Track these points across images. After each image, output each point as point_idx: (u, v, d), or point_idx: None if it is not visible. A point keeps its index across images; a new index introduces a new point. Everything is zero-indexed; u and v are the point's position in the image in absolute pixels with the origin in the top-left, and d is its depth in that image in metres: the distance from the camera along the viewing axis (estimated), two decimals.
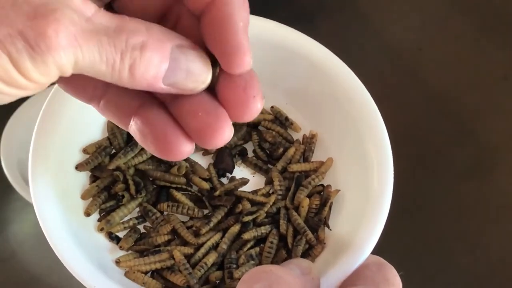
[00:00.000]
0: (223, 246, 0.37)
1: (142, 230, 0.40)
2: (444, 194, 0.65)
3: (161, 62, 0.26)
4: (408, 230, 0.63)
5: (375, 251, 0.53)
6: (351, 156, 0.38)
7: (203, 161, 0.39)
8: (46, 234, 0.37)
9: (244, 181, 0.38)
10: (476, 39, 0.82)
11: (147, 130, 0.29)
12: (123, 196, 0.39)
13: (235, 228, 0.37)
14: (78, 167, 0.39)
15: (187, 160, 0.39)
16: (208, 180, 0.38)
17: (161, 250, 0.38)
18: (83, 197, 0.38)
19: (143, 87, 0.27)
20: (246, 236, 0.37)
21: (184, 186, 0.38)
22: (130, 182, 0.38)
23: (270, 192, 0.38)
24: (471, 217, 0.62)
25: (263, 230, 0.37)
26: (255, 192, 0.38)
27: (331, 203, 0.38)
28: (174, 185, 0.38)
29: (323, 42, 0.82)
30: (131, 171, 0.39)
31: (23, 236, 0.59)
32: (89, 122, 0.41)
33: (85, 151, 0.40)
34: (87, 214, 0.38)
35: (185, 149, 0.29)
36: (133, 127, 0.30)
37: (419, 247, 0.62)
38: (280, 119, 0.39)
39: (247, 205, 0.37)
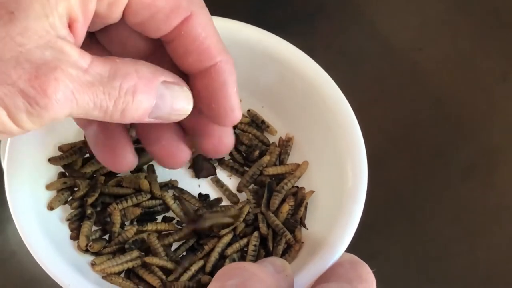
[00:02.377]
0: (209, 265, 0.37)
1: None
2: (444, 194, 0.65)
3: (149, 102, 0.28)
4: (407, 230, 0.63)
5: (372, 250, 0.53)
6: (325, 156, 0.38)
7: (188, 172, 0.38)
8: (19, 228, 0.37)
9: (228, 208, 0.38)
10: (476, 39, 0.82)
11: (101, 137, 0.31)
12: (92, 214, 0.38)
13: (217, 251, 0.37)
14: (51, 160, 0.39)
15: (175, 187, 0.38)
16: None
17: (131, 248, 0.37)
18: (48, 187, 0.38)
19: (129, 122, 0.28)
20: (229, 251, 0.37)
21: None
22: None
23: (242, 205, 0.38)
24: (471, 217, 0.62)
25: (245, 240, 0.37)
26: (227, 209, 0.37)
27: (306, 203, 0.38)
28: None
29: (323, 42, 0.83)
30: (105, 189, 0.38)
31: None
32: (66, 125, 0.41)
33: (60, 148, 0.40)
34: (50, 208, 0.38)
35: (128, 165, 0.31)
36: (90, 131, 0.32)
37: (419, 247, 0.62)
38: (256, 122, 0.39)
39: (227, 238, 0.37)
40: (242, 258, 0.37)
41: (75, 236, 0.38)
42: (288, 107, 0.40)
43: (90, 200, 0.37)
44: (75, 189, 0.38)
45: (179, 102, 0.29)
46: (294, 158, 0.39)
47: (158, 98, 0.28)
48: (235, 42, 0.38)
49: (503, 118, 0.73)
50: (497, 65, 0.78)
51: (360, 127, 0.63)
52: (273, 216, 0.37)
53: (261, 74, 0.39)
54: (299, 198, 0.38)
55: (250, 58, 0.38)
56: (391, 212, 0.63)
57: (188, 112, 0.30)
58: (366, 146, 0.57)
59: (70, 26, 0.27)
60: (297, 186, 0.39)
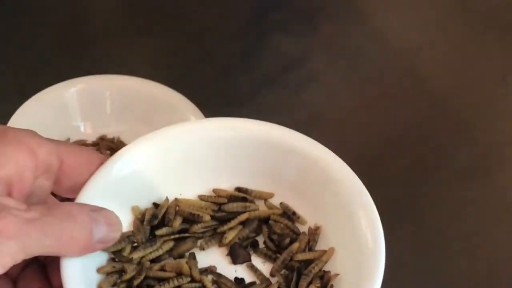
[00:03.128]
0: None
1: None
2: (444, 194, 0.65)
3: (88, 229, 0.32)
4: (407, 230, 0.63)
5: None
6: (348, 240, 0.41)
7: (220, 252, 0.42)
8: None
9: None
10: (476, 39, 0.82)
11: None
12: None
13: None
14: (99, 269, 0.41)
15: (213, 272, 0.41)
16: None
17: None
18: (98, 270, 0.39)
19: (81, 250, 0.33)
20: None
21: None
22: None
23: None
24: (471, 217, 0.62)
25: None
26: None
27: (332, 285, 0.41)
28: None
29: (323, 42, 0.83)
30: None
31: None
32: None
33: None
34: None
35: None
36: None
37: (419, 247, 0.62)
38: (288, 214, 0.43)
39: None
40: None
41: None
42: (311, 196, 0.43)
43: (136, 282, 0.39)
44: (123, 272, 0.39)
45: (112, 217, 0.34)
46: (320, 244, 0.43)
47: (94, 221, 0.32)
48: (261, 142, 0.42)
49: (503, 118, 0.73)
50: (497, 65, 0.78)
51: (360, 127, 0.63)
52: None
53: (287, 169, 0.43)
54: (325, 281, 0.41)
55: (275, 155, 0.42)
56: (390, 212, 0.63)
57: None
58: (365, 146, 0.57)
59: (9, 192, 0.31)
60: (323, 270, 0.42)
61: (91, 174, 0.36)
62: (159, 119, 0.64)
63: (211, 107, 0.68)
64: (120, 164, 0.38)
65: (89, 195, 0.36)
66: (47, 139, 0.34)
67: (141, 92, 0.64)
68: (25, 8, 0.80)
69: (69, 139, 0.63)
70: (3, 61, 0.73)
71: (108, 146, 0.63)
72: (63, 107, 0.63)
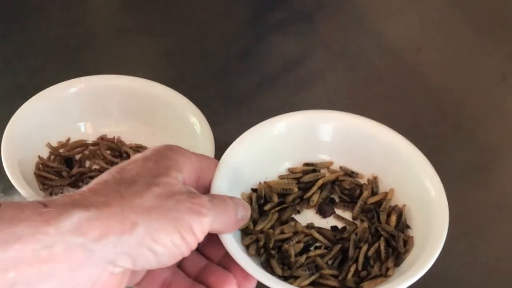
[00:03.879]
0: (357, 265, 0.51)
1: None
2: None
3: (235, 210, 0.44)
4: None
5: None
6: (414, 194, 0.53)
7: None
8: None
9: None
10: (475, 39, 0.82)
11: None
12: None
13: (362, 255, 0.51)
14: None
15: (312, 226, 0.53)
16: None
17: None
18: (243, 243, 0.49)
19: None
20: (370, 252, 0.51)
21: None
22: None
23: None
24: (470, 217, 0.62)
25: (376, 244, 0.51)
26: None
27: (405, 218, 0.53)
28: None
29: (323, 42, 0.83)
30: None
31: None
32: None
33: None
34: None
35: None
36: None
37: None
38: (348, 173, 0.55)
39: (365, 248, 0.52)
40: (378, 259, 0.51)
41: None
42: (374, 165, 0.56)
43: (270, 245, 0.50)
44: (257, 241, 0.50)
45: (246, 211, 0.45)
46: (382, 189, 0.55)
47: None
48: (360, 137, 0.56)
49: (502, 118, 0.73)
50: (496, 65, 0.78)
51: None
52: (387, 226, 0.52)
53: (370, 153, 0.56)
54: (398, 212, 0.53)
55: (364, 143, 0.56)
56: None
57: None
58: None
59: None
60: (391, 206, 0.53)
61: (213, 174, 0.47)
62: (159, 119, 0.64)
63: (211, 107, 0.68)
64: (226, 166, 0.49)
65: (218, 189, 0.46)
66: (190, 151, 0.43)
67: (141, 92, 0.64)
68: (25, 8, 0.80)
69: (69, 139, 0.63)
70: (3, 61, 0.73)
71: (108, 146, 0.63)
72: (63, 107, 0.63)
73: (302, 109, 0.72)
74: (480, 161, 0.68)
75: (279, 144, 0.54)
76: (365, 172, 0.55)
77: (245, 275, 0.44)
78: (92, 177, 0.60)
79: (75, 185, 0.60)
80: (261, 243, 0.50)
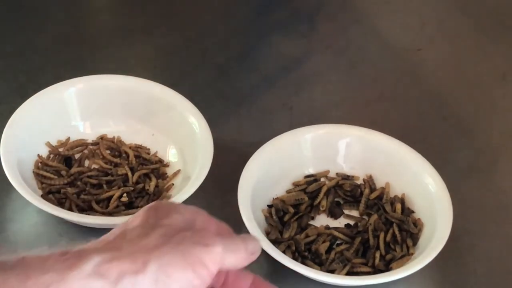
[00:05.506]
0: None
1: None
2: None
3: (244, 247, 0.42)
4: None
5: None
6: (416, 189, 0.61)
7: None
8: None
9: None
10: (475, 39, 0.82)
11: None
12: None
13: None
14: None
15: (329, 227, 0.61)
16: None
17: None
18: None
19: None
20: (381, 236, 0.59)
21: None
22: None
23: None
24: (470, 217, 0.62)
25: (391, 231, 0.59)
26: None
27: (408, 207, 0.61)
28: None
29: (323, 42, 0.83)
30: None
31: (23, 236, 0.59)
32: None
33: None
34: None
35: None
36: None
37: None
38: (344, 178, 0.63)
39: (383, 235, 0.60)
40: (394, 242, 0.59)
41: None
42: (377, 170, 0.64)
43: (302, 248, 0.57)
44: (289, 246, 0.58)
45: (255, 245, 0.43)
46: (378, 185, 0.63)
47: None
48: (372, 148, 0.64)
49: (502, 118, 0.73)
50: (496, 65, 0.78)
51: (360, 126, 0.63)
52: (395, 213, 0.60)
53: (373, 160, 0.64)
54: (400, 200, 0.61)
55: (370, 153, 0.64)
56: None
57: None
58: None
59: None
60: (391, 197, 0.62)
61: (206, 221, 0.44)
62: (159, 119, 0.64)
63: (211, 107, 0.68)
64: (246, 188, 0.57)
65: (245, 208, 0.56)
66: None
67: (141, 92, 0.64)
68: (25, 8, 0.80)
69: (69, 138, 0.63)
70: (3, 61, 0.73)
71: (108, 146, 0.63)
72: (63, 107, 0.63)
73: (301, 109, 0.72)
74: (480, 161, 0.68)
75: (284, 163, 0.62)
76: (359, 173, 0.63)
77: None
78: (90, 177, 0.61)
79: (73, 184, 0.60)
80: (293, 248, 0.57)
